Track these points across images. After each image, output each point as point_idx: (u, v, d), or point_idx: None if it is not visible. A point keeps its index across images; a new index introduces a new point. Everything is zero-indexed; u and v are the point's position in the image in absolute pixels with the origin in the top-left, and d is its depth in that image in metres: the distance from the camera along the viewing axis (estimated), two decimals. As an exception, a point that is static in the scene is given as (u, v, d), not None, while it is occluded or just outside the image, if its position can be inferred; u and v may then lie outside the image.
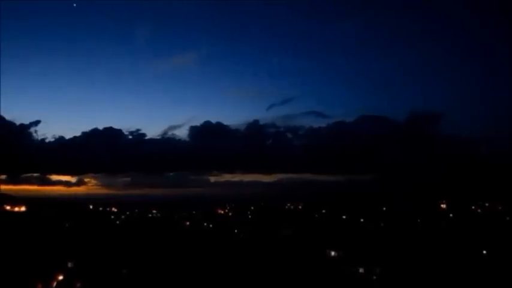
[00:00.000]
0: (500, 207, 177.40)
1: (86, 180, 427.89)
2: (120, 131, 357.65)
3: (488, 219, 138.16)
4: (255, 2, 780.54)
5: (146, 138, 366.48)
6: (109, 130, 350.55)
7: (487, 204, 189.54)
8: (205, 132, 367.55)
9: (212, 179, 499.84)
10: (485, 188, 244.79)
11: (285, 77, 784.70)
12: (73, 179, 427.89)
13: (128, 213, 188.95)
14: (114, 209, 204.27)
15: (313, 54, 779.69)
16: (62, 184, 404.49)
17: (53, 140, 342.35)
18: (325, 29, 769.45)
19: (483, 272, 60.54)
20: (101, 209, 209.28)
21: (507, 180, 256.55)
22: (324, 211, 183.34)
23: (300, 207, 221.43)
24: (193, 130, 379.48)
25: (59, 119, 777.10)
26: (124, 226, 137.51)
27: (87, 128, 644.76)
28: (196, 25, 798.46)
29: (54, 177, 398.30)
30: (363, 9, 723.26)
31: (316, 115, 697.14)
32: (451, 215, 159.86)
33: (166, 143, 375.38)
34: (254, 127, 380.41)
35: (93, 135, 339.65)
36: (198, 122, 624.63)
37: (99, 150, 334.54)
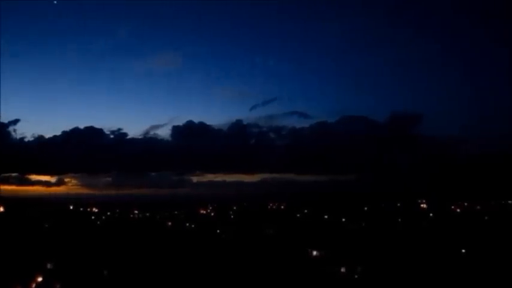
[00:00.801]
0: (478, 207, 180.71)
1: (66, 180, 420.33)
2: (101, 130, 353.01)
3: (467, 218, 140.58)
4: (239, 3, 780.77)
5: (128, 137, 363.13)
6: (90, 129, 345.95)
7: (466, 204, 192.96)
8: (188, 132, 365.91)
9: (195, 179, 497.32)
10: (464, 188, 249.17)
11: (268, 77, 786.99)
12: (53, 179, 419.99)
13: (109, 213, 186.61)
14: (94, 210, 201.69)
15: (296, 55, 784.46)
16: (42, 184, 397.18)
17: (32, 139, 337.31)
18: (309, 30, 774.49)
19: (462, 270, 61.55)
20: (81, 209, 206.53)
21: (485, 181, 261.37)
22: (306, 211, 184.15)
23: (282, 207, 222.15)
24: (176, 130, 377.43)
25: (39, 117, 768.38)
26: (105, 227, 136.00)
27: (68, 127, 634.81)
28: (180, 24, 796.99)
29: (34, 177, 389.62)
30: (345, 11, 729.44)
31: (299, 115, 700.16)
32: (431, 214, 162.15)
33: (148, 142, 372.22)
34: (237, 127, 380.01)
35: (73, 134, 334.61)
36: (180, 122, 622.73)
37: (79, 149, 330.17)
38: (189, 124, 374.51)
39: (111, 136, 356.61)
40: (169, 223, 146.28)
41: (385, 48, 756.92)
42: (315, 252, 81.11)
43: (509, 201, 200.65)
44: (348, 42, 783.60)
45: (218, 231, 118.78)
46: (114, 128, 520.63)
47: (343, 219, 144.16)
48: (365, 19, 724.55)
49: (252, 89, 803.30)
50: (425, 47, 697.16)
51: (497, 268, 61.08)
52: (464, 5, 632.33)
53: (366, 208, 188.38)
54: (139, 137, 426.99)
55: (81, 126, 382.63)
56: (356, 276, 63.88)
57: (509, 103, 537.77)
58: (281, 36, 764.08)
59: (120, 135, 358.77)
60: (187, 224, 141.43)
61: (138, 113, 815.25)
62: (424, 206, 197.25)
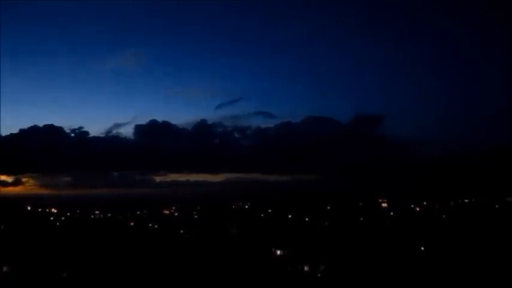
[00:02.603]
0: (437, 206, 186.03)
1: (24, 180, 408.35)
2: (61, 128, 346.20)
3: (426, 217, 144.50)
4: (203, 2, 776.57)
5: (89, 136, 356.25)
6: (49, 127, 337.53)
7: (425, 203, 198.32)
8: (152, 131, 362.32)
9: (158, 178, 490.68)
10: (423, 187, 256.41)
11: (233, 76, 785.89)
12: (9, 179, 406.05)
13: (68, 214, 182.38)
14: (54, 210, 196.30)
15: (261, 55, 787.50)
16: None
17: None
18: (274, 29, 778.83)
19: (421, 267, 63.16)
20: (39, 210, 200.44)
21: (443, 180, 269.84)
22: (270, 211, 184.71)
23: (246, 206, 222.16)
24: (139, 129, 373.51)
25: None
26: (64, 228, 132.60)
27: (26, 125, 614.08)
28: (143, 23, 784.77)
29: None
30: (311, 11, 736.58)
31: (264, 115, 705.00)
32: (391, 213, 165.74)
33: (110, 141, 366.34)
34: (202, 126, 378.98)
35: (32, 132, 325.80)
36: (143, 121, 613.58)
37: (38, 148, 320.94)
38: (153, 123, 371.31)
39: (72, 135, 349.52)
40: (132, 223, 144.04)
41: (349, 49, 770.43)
42: (278, 252, 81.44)
43: (466, 200, 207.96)
44: (313, 42, 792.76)
45: (181, 231, 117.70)
46: (75, 127, 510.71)
47: (307, 219, 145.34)
48: (330, 20, 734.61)
49: (217, 89, 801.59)
50: (388, 49, 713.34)
51: (454, 264, 63.17)
52: (426, 7, 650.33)
53: (328, 207, 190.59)
54: (101, 136, 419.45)
55: (41, 125, 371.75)
56: (319, 275, 64.53)
57: (466, 105, 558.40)
58: (247, 35, 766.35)
59: (81, 133, 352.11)
60: (150, 224, 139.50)
61: (100, 111, 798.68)
62: (385, 205, 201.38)
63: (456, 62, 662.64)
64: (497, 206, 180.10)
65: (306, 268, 67.33)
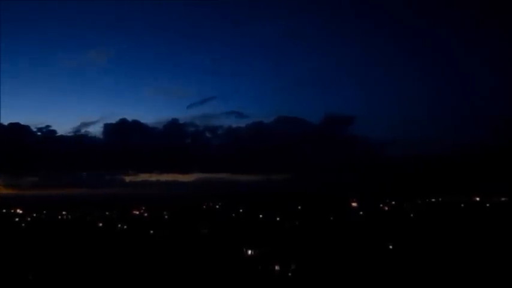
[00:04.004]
0: (405, 205, 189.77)
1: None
2: (27, 127, 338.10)
3: (394, 216, 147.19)
4: (174, 2, 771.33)
5: (57, 135, 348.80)
6: (15, 126, 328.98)
7: (393, 203, 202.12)
8: (121, 130, 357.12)
9: (128, 178, 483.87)
10: (392, 187, 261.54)
11: (205, 76, 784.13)
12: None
13: (34, 215, 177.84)
14: (19, 211, 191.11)
15: (233, 55, 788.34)
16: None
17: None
18: (247, 30, 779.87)
19: (390, 264, 64.20)
20: (4, 210, 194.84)
21: (412, 180, 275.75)
22: (241, 210, 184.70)
23: (217, 206, 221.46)
24: (108, 127, 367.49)
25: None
26: (30, 228, 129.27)
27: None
28: (114, 20, 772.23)
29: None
30: (283, 12, 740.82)
31: (235, 115, 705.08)
32: (361, 212, 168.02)
33: (78, 140, 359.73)
34: (173, 126, 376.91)
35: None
36: (113, 120, 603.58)
37: (3, 147, 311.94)
38: (122, 122, 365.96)
39: (39, 133, 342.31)
40: (100, 224, 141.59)
41: (321, 51, 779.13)
42: (250, 251, 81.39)
43: (433, 200, 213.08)
44: (285, 43, 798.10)
45: (151, 231, 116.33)
46: (42, 125, 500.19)
47: (278, 218, 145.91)
48: (301, 21, 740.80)
49: (190, 88, 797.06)
50: (360, 50, 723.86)
51: (421, 261, 64.54)
52: (397, 9, 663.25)
53: (299, 207, 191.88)
54: (70, 135, 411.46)
55: (5, 123, 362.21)
56: (290, 274, 64.76)
57: (435, 107, 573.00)
58: (219, 35, 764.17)
59: (48, 132, 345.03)
60: (119, 225, 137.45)
61: (68, 110, 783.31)
62: (355, 204, 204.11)
63: (427, 64, 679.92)
64: (462, 205, 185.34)
65: (277, 267, 67.47)
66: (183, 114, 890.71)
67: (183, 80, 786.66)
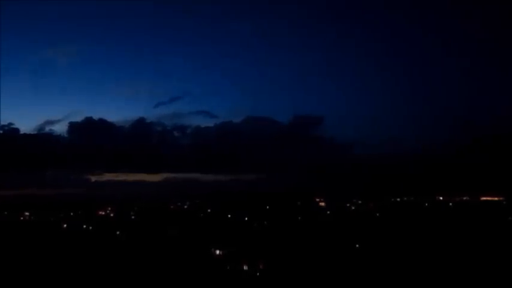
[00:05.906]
0: (371, 205, 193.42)
1: None
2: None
3: (361, 215, 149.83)
4: (143, 0, 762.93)
5: (20, 133, 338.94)
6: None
7: (360, 202, 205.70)
8: (87, 129, 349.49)
9: (93, 178, 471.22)
10: (359, 187, 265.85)
11: (174, 75, 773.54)
12: None
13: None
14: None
15: (203, 54, 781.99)
16: None
17: None
18: (216, 29, 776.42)
19: (356, 263, 65.25)
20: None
21: (378, 180, 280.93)
22: (209, 210, 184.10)
23: (185, 207, 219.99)
24: (73, 126, 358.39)
25: None
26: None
27: None
28: (79, 18, 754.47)
29: None
30: (253, 11, 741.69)
31: (204, 115, 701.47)
32: (328, 212, 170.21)
33: (42, 139, 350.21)
34: (140, 125, 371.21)
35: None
36: (78, 118, 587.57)
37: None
38: (88, 120, 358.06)
39: (1, 131, 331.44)
40: (65, 225, 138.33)
41: (290, 51, 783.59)
42: (218, 251, 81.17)
43: (398, 199, 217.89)
44: (254, 43, 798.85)
45: (118, 232, 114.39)
46: (4, 123, 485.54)
47: (246, 218, 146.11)
48: (271, 20, 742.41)
49: (158, 87, 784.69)
50: (328, 50, 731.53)
51: (387, 260, 65.87)
52: (362, 12, 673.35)
53: (268, 207, 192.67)
54: (33, 133, 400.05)
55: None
56: (258, 274, 64.93)
57: (403, 107, 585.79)
58: (188, 34, 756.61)
59: (10, 130, 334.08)
60: (85, 226, 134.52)
61: (31, 107, 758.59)
62: (322, 204, 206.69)
63: (396, 65, 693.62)
64: (426, 204, 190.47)
65: (245, 267, 67.53)
66: (150, 114, 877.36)
67: (150, 79, 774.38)
